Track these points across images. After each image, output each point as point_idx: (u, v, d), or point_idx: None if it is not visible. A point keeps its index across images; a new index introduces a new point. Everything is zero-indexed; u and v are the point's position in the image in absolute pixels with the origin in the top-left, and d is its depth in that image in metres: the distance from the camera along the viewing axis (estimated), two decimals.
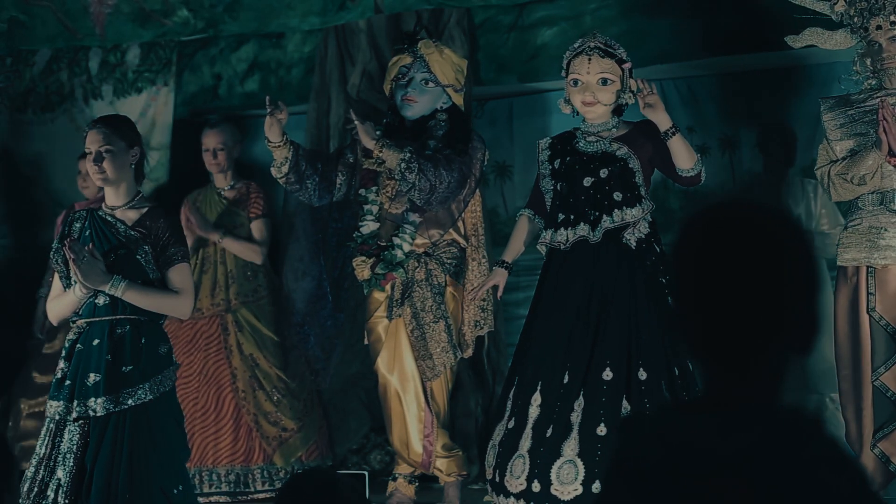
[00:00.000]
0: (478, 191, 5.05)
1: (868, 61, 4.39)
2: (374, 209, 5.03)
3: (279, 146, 4.86)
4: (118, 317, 4.06)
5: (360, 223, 5.05)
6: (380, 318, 4.99)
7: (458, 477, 5.05)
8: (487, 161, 5.09)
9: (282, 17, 6.42)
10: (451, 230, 4.98)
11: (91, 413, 3.96)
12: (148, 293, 4.05)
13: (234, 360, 5.87)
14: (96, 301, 4.07)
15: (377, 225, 5.02)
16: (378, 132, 4.89)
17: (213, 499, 5.73)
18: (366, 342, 5.10)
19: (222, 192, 6.10)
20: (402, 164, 4.74)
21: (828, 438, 1.58)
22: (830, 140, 4.40)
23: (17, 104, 6.95)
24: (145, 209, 4.19)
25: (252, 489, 5.75)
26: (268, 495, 5.71)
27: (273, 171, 4.98)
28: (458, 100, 5.07)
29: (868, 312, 4.29)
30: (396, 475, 5.09)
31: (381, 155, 4.83)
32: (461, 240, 5.01)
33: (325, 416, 6.02)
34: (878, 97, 4.34)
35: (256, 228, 5.98)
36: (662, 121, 4.28)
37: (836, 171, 4.33)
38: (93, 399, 3.97)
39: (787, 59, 5.66)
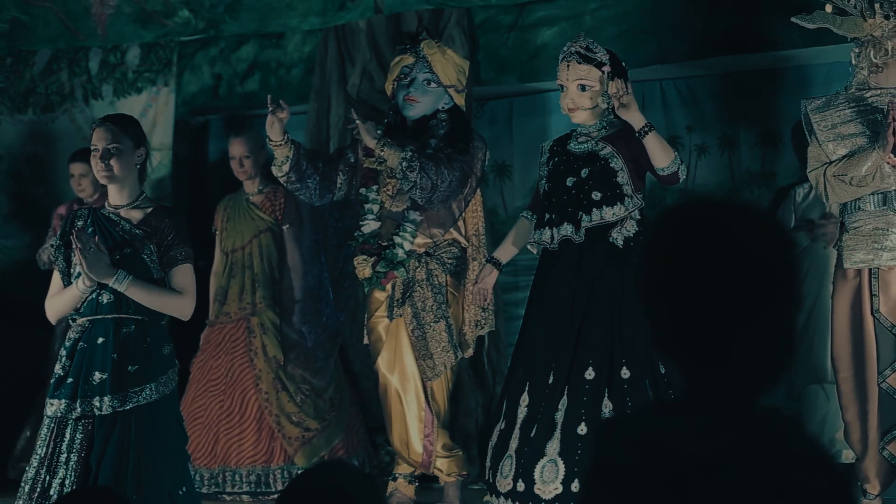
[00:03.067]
0: (479, 191, 5.05)
1: (871, 52, 4.33)
2: (375, 208, 5.04)
3: (280, 145, 4.86)
4: (123, 316, 4.04)
5: (361, 222, 5.05)
6: (380, 317, 4.99)
7: (459, 477, 5.05)
8: (488, 159, 5.09)
9: (282, 17, 6.43)
10: (452, 230, 4.98)
11: (96, 412, 3.94)
12: (152, 291, 4.03)
13: (258, 362, 5.90)
14: (99, 298, 4.03)
15: (378, 224, 5.02)
16: (379, 131, 4.90)
17: (236, 498, 5.77)
18: (366, 342, 5.10)
19: (250, 198, 6.12)
20: (404, 163, 4.74)
21: (807, 437, 1.57)
22: (821, 141, 4.34)
23: (17, 104, 6.96)
24: (150, 209, 4.15)
25: (273, 489, 5.78)
26: None
27: (274, 169, 4.99)
28: (460, 100, 5.07)
29: (872, 314, 4.26)
30: (396, 475, 5.09)
31: (382, 154, 4.84)
32: (462, 240, 5.02)
33: (359, 413, 6.03)
34: (869, 96, 4.31)
35: (289, 235, 6.00)
36: (636, 120, 4.29)
37: (832, 173, 4.27)
38: (98, 398, 3.94)
39: (787, 60, 5.67)
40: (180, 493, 4.02)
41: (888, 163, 4.16)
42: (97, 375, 3.97)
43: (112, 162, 4.09)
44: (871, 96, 4.31)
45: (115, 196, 4.16)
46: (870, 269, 4.28)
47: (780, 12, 4.79)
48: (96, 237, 4.02)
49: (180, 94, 6.72)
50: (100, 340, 4.01)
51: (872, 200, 4.29)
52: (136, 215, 4.13)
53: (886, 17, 4.28)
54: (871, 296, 4.26)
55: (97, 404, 3.94)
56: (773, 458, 1.52)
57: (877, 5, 4.29)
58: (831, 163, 4.30)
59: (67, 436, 3.96)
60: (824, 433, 5.24)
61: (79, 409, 3.95)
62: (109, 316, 4.03)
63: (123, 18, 6.69)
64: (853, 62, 4.36)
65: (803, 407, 5.40)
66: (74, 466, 3.91)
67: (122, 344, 4.01)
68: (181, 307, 4.10)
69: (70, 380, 4.00)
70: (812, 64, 5.69)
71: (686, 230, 1.61)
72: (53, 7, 6.79)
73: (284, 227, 6.02)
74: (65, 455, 3.93)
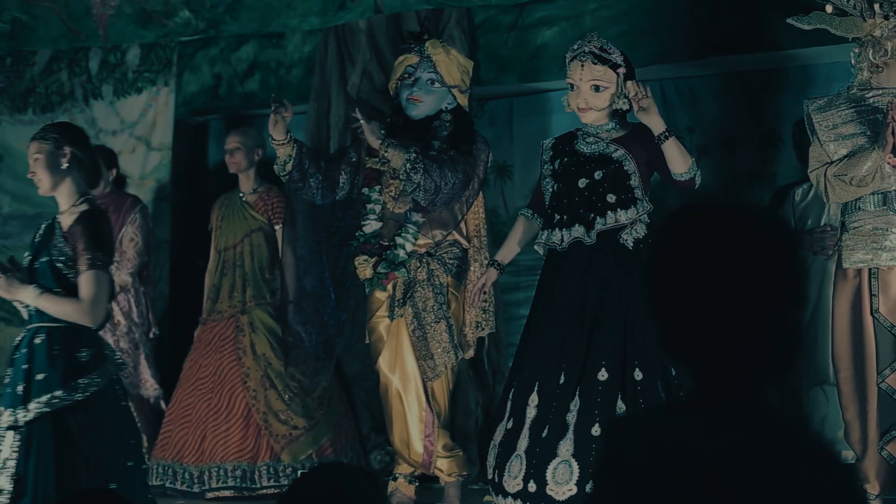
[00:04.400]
0: (480, 192, 5.05)
1: (870, 52, 4.33)
2: (377, 208, 5.03)
3: (283, 144, 4.86)
4: (37, 324, 4.04)
5: (363, 222, 5.05)
6: (381, 317, 4.99)
7: (459, 477, 5.05)
8: (490, 161, 5.08)
9: (282, 17, 6.43)
10: (453, 231, 4.98)
11: (18, 422, 3.96)
12: (55, 301, 4.00)
13: (246, 360, 5.92)
14: (29, 309, 4.06)
15: (380, 224, 5.01)
16: (382, 131, 4.89)
17: (219, 493, 5.77)
18: (367, 342, 5.10)
19: (244, 197, 6.13)
20: (408, 165, 4.74)
21: (813, 437, 1.58)
22: (823, 141, 4.33)
23: (17, 104, 6.96)
24: (76, 214, 4.07)
25: (258, 485, 5.78)
26: (273, 491, 5.73)
27: (276, 168, 4.99)
28: (463, 101, 5.07)
29: (872, 314, 4.26)
30: (397, 475, 5.09)
31: (386, 155, 4.83)
32: (463, 241, 5.01)
33: (349, 412, 6.04)
34: (871, 96, 4.31)
35: (281, 235, 6.01)
36: (656, 125, 4.26)
37: (833, 173, 4.27)
38: (20, 407, 3.96)
39: (788, 59, 5.67)
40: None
41: (888, 163, 4.16)
42: (20, 386, 3.99)
43: (38, 172, 4.04)
44: (872, 96, 4.31)
45: (60, 202, 4.13)
46: (870, 269, 4.28)
47: (781, 12, 4.78)
48: (13, 256, 4.05)
49: (180, 94, 6.72)
50: (23, 350, 4.04)
51: (872, 200, 4.29)
52: (67, 221, 4.08)
53: (886, 17, 4.28)
54: (871, 296, 4.26)
55: (19, 414, 3.96)
56: (779, 456, 1.53)
57: (876, 5, 4.29)
58: (832, 163, 4.30)
59: (5, 443, 3.98)
60: (824, 434, 5.25)
61: (7, 420, 3.98)
62: (32, 325, 4.06)
63: (124, 19, 6.69)
64: (853, 62, 4.36)
65: (803, 408, 5.40)
66: (12, 473, 3.93)
67: (33, 353, 4.01)
68: (79, 315, 4.01)
69: (8, 389, 4.04)
70: (813, 64, 5.69)
71: (692, 232, 1.62)
72: (54, 7, 6.79)
73: (277, 227, 6.02)
74: (3, 462, 3.96)
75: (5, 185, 7.04)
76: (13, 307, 6.92)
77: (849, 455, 4.51)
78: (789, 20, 4.41)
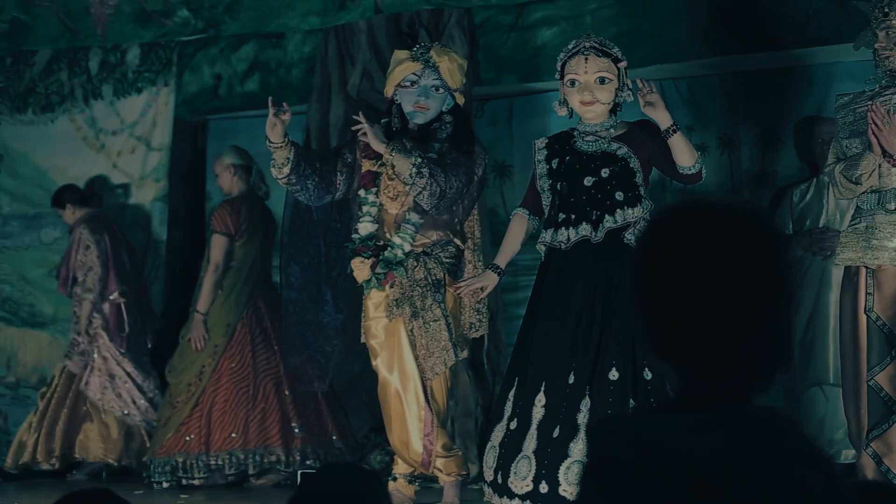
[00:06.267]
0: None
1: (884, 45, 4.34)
2: (374, 210, 5.01)
3: (280, 147, 4.84)
4: None
5: (358, 224, 5.03)
6: (379, 317, 4.98)
7: (458, 477, 5.04)
8: (487, 164, 5.08)
9: (282, 17, 6.43)
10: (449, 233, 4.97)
11: None
12: None
13: None
14: None
15: (375, 226, 5.00)
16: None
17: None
18: (363, 341, 5.09)
19: None
20: (413, 170, 4.72)
21: (802, 437, 1.58)
22: (840, 138, 4.38)
23: (17, 104, 6.96)
24: None
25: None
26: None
27: (273, 171, 4.97)
28: (460, 99, 5.06)
29: (866, 312, 4.28)
30: (396, 475, 5.08)
31: (391, 159, 4.81)
32: (458, 241, 5.01)
33: (200, 416, 6.15)
34: (887, 94, 4.31)
35: (215, 242, 6.07)
36: (663, 119, 4.26)
37: (839, 170, 4.31)
38: None
39: (787, 59, 5.67)
40: None
41: (889, 163, 4.18)
42: None
43: None
44: (891, 94, 4.31)
45: None
46: (866, 268, 4.29)
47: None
48: None
49: (180, 94, 6.72)
50: None
51: (869, 199, 4.31)
52: None
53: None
54: (867, 294, 4.28)
55: None
56: (768, 456, 1.53)
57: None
58: (842, 159, 4.33)
59: None
60: (823, 434, 5.24)
61: None
62: None
63: (123, 18, 6.69)
64: (874, 62, 4.38)
65: (802, 408, 5.40)
66: None
67: None
68: None
69: None
70: (812, 64, 5.69)
71: (680, 231, 1.62)
72: (53, 7, 6.80)
73: (213, 236, 6.05)
74: None
75: (5, 185, 7.04)
76: (13, 307, 6.94)
77: (848, 454, 4.52)
78: (854, 45, 4.47)
